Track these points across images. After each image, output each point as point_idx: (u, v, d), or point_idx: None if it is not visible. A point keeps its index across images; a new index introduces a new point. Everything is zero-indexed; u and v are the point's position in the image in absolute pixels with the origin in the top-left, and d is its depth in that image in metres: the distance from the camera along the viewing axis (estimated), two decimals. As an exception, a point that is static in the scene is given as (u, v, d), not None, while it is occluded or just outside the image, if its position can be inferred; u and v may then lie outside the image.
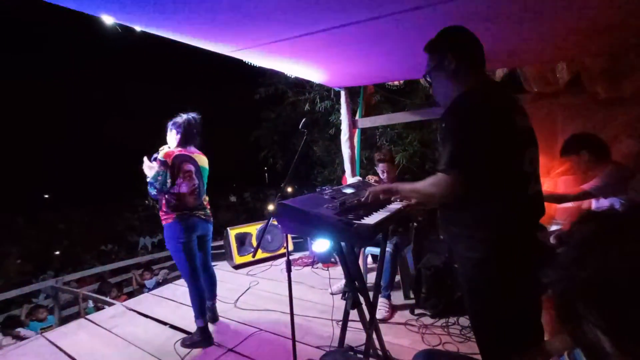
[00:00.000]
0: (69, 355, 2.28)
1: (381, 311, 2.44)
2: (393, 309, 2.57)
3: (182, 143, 2.30)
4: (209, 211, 2.44)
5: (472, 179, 1.10)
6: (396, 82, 4.14)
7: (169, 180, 2.20)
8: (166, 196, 2.22)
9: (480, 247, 1.15)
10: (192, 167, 2.24)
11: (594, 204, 2.17)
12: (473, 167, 1.09)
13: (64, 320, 4.64)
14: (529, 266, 1.07)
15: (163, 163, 2.18)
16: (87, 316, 2.94)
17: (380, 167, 2.88)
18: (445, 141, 1.13)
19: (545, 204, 1.26)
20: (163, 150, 2.25)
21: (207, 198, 2.46)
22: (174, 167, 2.19)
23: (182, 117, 2.33)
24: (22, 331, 4.11)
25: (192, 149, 2.36)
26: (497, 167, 1.09)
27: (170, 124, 2.34)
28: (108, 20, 1.60)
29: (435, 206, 1.35)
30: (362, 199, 1.40)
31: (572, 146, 2.15)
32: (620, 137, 2.48)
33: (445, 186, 1.12)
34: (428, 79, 1.32)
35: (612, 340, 0.40)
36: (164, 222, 2.25)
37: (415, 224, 2.95)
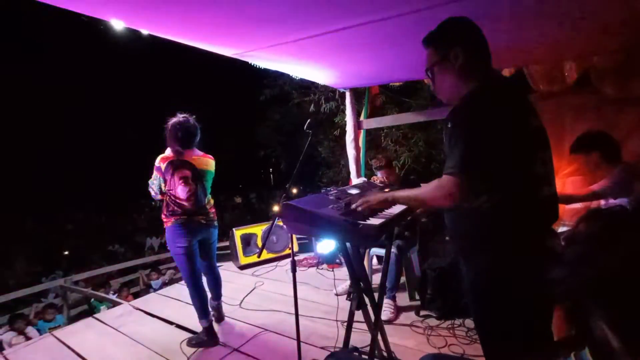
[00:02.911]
0: (78, 354, 2.32)
1: (386, 312, 2.43)
2: (398, 310, 2.56)
3: (177, 146, 2.19)
4: (212, 215, 2.37)
5: (483, 182, 1.04)
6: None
7: (163, 185, 2.20)
8: (166, 200, 2.22)
9: (486, 251, 1.11)
10: (187, 173, 2.18)
11: (602, 204, 2.13)
12: (485, 171, 1.02)
13: (72, 319, 4.70)
14: (537, 271, 1.02)
15: (157, 168, 2.18)
16: (95, 315, 2.98)
17: (379, 174, 2.90)
18: (454, 142, 1.04)
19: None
20: (162, 154, 2.22)
21: (211, 202, 2.40)
22: (167, 172, 2.16)
23: (173, 120, 2.23)
24: (30, 331, 4.17)
25: (192, 151, 2.27)
26: (508, 170, 1.04)
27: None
28: (117, 25, 1.62)
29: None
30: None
31: (584, 144, 2.11)
32: (630, 136, 2.44)
33: (454, 190, 1.03)
34: (430, 76, 1.21)
35: (619, 336, 0.40)
36: (164, 225, 2.25)
37: (419, 226, 2.93)
